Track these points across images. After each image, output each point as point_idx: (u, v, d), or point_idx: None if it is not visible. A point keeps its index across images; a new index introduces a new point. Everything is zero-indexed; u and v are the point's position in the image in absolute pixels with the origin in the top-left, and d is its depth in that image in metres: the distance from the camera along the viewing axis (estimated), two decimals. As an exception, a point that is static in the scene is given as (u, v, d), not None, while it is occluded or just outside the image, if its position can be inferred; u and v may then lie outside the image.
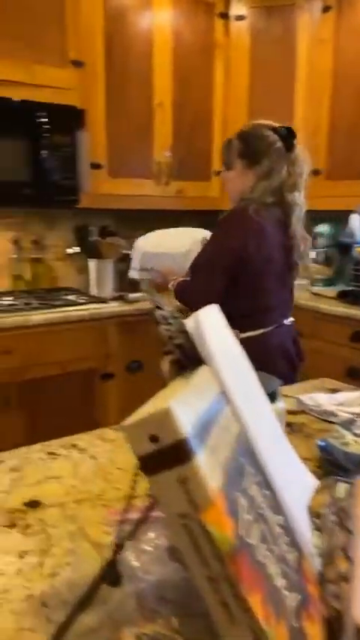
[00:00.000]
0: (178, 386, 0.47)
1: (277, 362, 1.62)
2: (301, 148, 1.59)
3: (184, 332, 0.55)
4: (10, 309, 2.10)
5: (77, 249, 2.66)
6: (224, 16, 2.65)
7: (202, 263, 1.65)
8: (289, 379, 1.48)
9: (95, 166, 2.40)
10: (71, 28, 2.26)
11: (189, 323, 0.53)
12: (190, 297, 1.67)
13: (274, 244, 1.59)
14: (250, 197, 1.57)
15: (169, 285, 1.81)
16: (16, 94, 2.16)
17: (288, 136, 1.57)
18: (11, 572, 0.61)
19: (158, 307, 0.60)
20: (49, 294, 2.44)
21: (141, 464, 0.38)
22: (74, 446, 0.94)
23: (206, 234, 2.00)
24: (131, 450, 0.39)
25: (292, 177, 1.57)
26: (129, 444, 0.39)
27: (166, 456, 0.37)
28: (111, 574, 0.45)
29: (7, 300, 2.25)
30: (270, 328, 1.62)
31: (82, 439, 0.97)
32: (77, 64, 2.28)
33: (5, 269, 2.53)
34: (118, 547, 0.45)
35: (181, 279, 1.77)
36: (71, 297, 2.38)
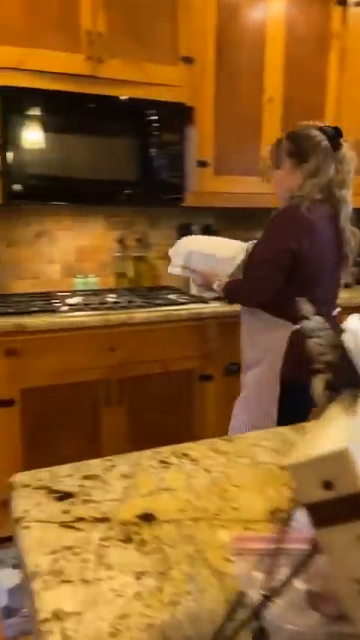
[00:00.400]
0: (339, 416, 0.39)
1: None
2: (347, 146, 1.64)
3: (337, 347, 0.48)
4: (114, 306, 2.13)
5: (179, 248, 2.64)
6: (342, 2, 2.49)
7: (257, 261, 1.70)
8: None
9: (201, 164, 2.36)
10: (183, 24, 2.23)
11: (346, 336, 0.46)
12: (245, 296, 1.77)
13: (326, 240, 1.65)
14: (300, 194, 1.61)
15: (215, 286, 1.85)
16: (127, 92, 2.17)
17: (335, 135, 1.63)
18: (130, 595, 0.57)
19: (304, 317, 0.53)
20: (151, 293, 2.45)
21: (309, 512, 0.32)
22: (186, 455, 0.90)
23: (250, 246, 1.91)
24: (297, 493, 0.32)
25: (340, 174, 1.63)
26: (295, 486, 0.32)
27: (342, 507, 0.30)
28: (258, 631, 0.38)
29: (112, 298, 2.28)
30: None
31: (193, 449, 0.92)
32: (187, 60, 2.25)
33: (110, 267, 2.57)
34: (267, 599, 0.39)
35: (228, 279, 1.82)
36: (172, 297, 2.36)
